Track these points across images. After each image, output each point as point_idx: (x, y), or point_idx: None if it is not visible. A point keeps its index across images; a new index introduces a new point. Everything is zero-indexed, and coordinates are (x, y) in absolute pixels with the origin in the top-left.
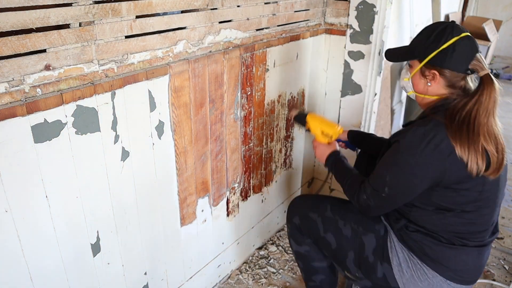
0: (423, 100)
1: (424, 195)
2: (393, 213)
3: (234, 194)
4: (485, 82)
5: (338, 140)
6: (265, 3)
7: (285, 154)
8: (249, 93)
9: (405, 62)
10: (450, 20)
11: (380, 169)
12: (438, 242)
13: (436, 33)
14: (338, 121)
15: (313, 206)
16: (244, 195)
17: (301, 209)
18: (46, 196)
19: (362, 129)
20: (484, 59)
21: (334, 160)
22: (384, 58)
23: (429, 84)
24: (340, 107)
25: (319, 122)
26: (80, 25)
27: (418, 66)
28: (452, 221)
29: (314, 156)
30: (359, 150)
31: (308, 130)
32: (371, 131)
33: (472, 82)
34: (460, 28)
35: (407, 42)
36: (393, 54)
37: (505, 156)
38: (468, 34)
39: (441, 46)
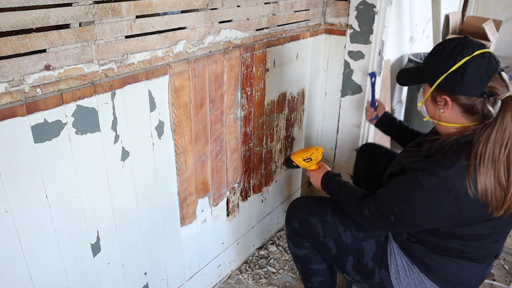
0: (441, 128)
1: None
2: None
3: (234, 194)
4: (505, 106)
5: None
6: (265, 3)
7: (285, 154)
8: (249, 93)
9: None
10: (450, 20)
11: (390, 195)
12: (439, 255)
13: (445, 53)
14: (338, 121)
15: (313, 210)
16: (244, 195)
17: (300, 213)
18: (46, 196)
19: (362, 129)
20: (506, 79)
21: (326, 181)
22: (396, 81)
23: (441, 111)
24: (340, 107)
25: (299, 153)
26: (80, 25)
27: (429, 90)
28: (455, 245)
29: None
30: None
31: (296, 166)
32: (371, 131)
33: (491, 106)
34: (474, 45)
35: (407, 42)
36: (404, 76)
37: None
38: (484, 51)
39: (450, 68)
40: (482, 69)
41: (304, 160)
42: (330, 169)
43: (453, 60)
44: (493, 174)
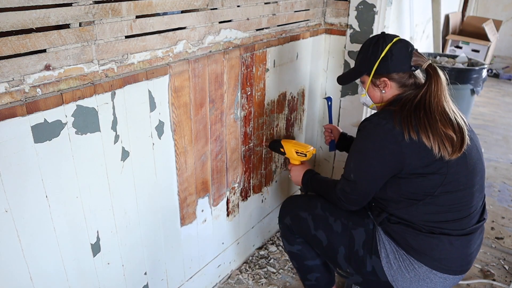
0: (381, 107)
1: (394, 184)
2: (375, 207)
3: (234, 194)
4: (430, 72)
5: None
6: (265, 3)
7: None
8: (249, 93)
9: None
10: (450, 20)
11: (347, 158)
12: (419, 232)
13: (372, 47)
14: (338, 121)
15: (303, 205)
16: (244, 195)
17: (292, 209)
18: (46, 196)
19: None
20: (421, 53)
21: (309, 177)
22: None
23: (383, 91)
24: (340, 107)
25: (293, 144)
26: (80, 25)
27: (368, 79)
28: (426, 210)
29: (290, 178)
30: (333, 150)
31: (283, 154)
32: None
33: (420, 76)
34: (390, 36)
35: None
36: (344, 78)
37: (465, 136)
38: (399, 37)
39: (380, 55)
40: (404, 49)
41: (297, 152)
42: (310, 167)
43: (380, 49)
44: (424, 123)
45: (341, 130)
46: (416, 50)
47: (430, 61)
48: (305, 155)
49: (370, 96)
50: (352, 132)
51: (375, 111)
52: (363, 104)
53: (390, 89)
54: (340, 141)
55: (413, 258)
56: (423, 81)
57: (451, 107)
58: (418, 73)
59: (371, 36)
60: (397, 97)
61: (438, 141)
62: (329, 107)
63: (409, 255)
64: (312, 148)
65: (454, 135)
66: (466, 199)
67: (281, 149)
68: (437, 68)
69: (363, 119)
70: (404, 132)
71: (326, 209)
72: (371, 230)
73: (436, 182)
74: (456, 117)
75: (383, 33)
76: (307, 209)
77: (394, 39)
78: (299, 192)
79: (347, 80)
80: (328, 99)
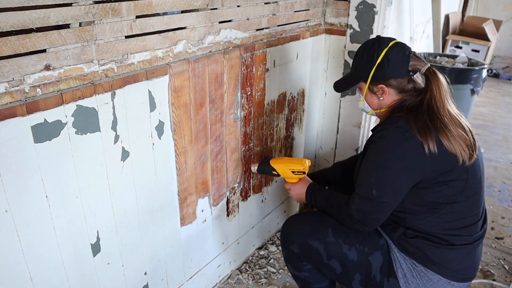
0: (382, 114)
1: (415, 195)
2: (389, 223)
3: (234, 194)
4: (429, 76)
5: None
6: (265, 3)
7: (285, 154)
8: (249, 93)
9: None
10: (450, 20)
11: (363, 174)
12: (438, 245)
13: (367, 52)
14: (338, 121)
15: (312, 232)
16: (244, 195)
17: (299, 236)
18: (46, 196)
19: (362, 129)
20: (419, 56)
21: (312, 194)
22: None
23: (381, 98)
24: (340, 107)
25: (285, 162)
26: (80, 25)
27: (365, 86)
28: (447, 218)
29: (293, 197)
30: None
31: (276, 175)
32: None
33: (420, 80)
34: (386, 39)
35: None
36: (340, 85)
37: (475, 137)
38: (396, 41)
39: (376, 61)
40: (400, 53)
41: (293, 172)
42: (311, 181)
43: (376, 54)
44: (443, 130)
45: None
46: (414, 53)
47: (428, 65)
48: (304, 173)
49: (368, 103)
50: (353, 132)
51: (375, 116)
52: (361, 110)
53: (389, 96)
54: (316, 178)
55: (432, 271)
56: (422, 85)
57: (454, 109)
58: (417, 77)
59: (366, 40)
60: (400, 104)
61: (458, 145)
62: None
63: (426, 269)
64: (307, 162)
65: (467, 136)
66: (479, 202)
67: (273, 172)
68: (437, 71)
69: (363, 119)
70: (424, 142)
71: (338, 236)
72: (387, 252)
73: (458, 189)
74: (462, 119)
75: (378, 36)
76: (318, 238)
77: (390, 43)
78: None
79: (344, 87)
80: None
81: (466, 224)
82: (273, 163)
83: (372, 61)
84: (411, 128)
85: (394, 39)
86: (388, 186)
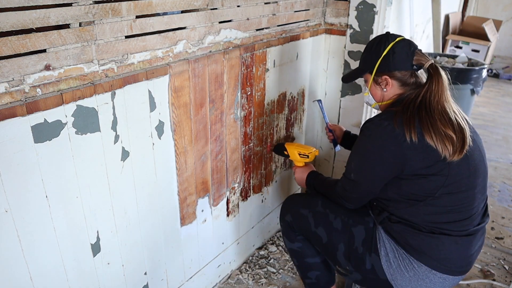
0: (383, 107)
1: (395, 185)
2: (376, 207)
3: (234, 194)
4: (431, 71)
5: (329, 131)
6: (265, 3)
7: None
8: (249, 93)
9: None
10: (450, 20)
11: (349, 158)
12: (419, 231)
13: (375, 45)
14: (338, 121)
15: (304, 203)
16: (244, 195)
17: (292, 206)
18: (46, 196)
19: None
20: (424, 53)
21: (312, 177)
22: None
23: (384, 90)
24: (340, 107)
25: (296, 146)
26: (80, 25)
27: (370, 77)
28: (427, 210)
29: (295, 180)
30: (338, 149)
31: (287, 156)
32: None
33: (422, 76)
34: (394, 35)
35: None
36: (348, 76)
37: (466, 136)
38: (403, 37)
39: (382, 53)
40: (406, 48)
41: (299, 154)
42: (314, 169)
43: (383, 47)
44: (427, 123)
45: (344, 129)
46: (420, 50)
47: (432, 61)
48: (308, 157)
49: (372, 94)
50: (353, 132)
51: (378, 112)
52: (366, 103)
53: (392, 88)
54: (344, 139)
55: (413, 257)
56: (424, 80)
57: (452, 107)
58: (421, 73)
59: (376, 35)
60: (399, 98)
61: (439, 141)
62: (322, 109)
63: (408, 254)
64: (314, 149)
65: (454, 135)
66: (468, 201)
67: (285, 152)
68: (439, 67)
69: (363, 119)
70: (405, 133)
71: (326, 207)
72: (371, 229)
73: (437, 184)
74: (457, 117)
75: (387, 32)
76: (308, 207)
77: (397, 39)
78: (299, 191)
79: (350, 78)
80: (319, 101)
81: (449, 220)
82: (287, 145)
83: (378, 53)
84: (394, 120)
85: (402, 36)
86: (364, 173)
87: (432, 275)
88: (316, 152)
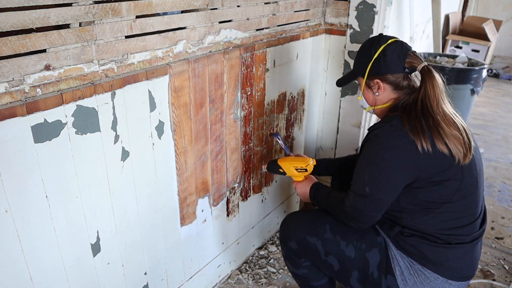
0: (379, 112)
1: (410, 195)
2: (386, 221)
3: (234, 194)
4: (424, 74)
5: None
6: (265, 3)
7: (285, 154)
8: (249, 93)
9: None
10: (450, 20)
11: (357, 172)
12: (435, 243)
13: (366, 48)
14: (338, 121)
15: (311, 229)
16: (244, 195)
17: (297, 233)
18: (46, 196)
19: (362, 129)
20: (418, 55)
21: (315, 191)
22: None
23: (376, 94)
24: (340, 107)
25: (291, 160)
26: (80, 25)
27: (363, 81)
28: (441, 217)
29: (298, 196)
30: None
31: (284, 174)
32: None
33: (416, 79)
34: (387, 37)
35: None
36: (342, 80)
37: (470, 136)
38: (396, 39)
39: (373, 56)
40: (397, 50)
41: (296, 169)
42: (316, 180)
43: (374, 50)
44: (435, 129)
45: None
46: (413, 52)
47: (425, 63)
48: (306, 170)
49: (365, 98)
50: (353, 132)
51: (374, 114)
52: (361, 107)
53: (384, 92)
54: (319, 168)
55: (429, 269)
56: (418, 84)
57: (449, 108)
58: (414, 76)
59: (370, 37)
60: (396, 103)
61: (452, 144)
62: (280, 141)
63: (424, 267)
64: (312, 161)
65: (461, 135)
66: (476, 201)
67: (280, 170)
68: (432, 70)
69: (363, 119)
70: (417, 140)
71: (336, 232)
72: (384, 249)
73: (453, 188)
74: (457, 117)
75: (380, 34)
76: (315, 234)
77: (389, 41)
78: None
79: (344, 82)
80: (275, 135)
81: (463, 223)
82: (280, 162)
83: (369, 56)
84: (404, 127)
85: (395, 37)
86: (381, 184)
87: (447, 285)
88: (314, 162)
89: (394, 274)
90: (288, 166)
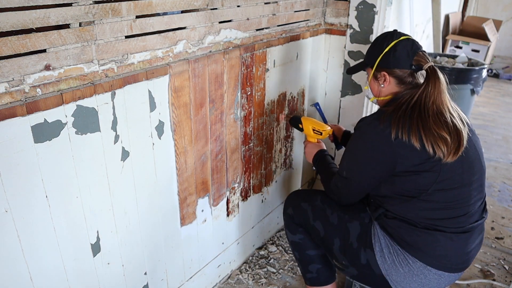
0: (380, 102)
1: (389, 182)
2: (372, 203)
3: (234, 194)
4: (429, 73)
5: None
6: (265, 3)
7: (285, 154)
8: (249, 93)
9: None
10: (450, 20)
11: (342, 156)
12: (414, 227)
13: (379, 41)
14: (338, 121)
15: (305, 197)
16: (244, 195)
17: (294, 200)
18: (46, 196)
19: None
20: (427, 55)
21: (319, 157)
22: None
23: (382, 86)
24: (340, 107)
25: (312, 121)
26: (80, 25)
27: (371, 72)
28: (421, 206)
29: (304, 154)
30: (340, 148)
31: (301, 129)
32: None
33: (421, 77)
34: (400, 34)
35: None
36: (352, 69)
37: (462, 138)
38: (409, 37)
39: (384, 49)
40: (408, 47)
41: (313, 130)
42: (324, 148)
43: (386, 44)
44: (418, 123)
45: (343, 128)
46: (423, 51)
47: (431, 63)
48: (321, 134)
49: (371, 88)
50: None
51: (377, 105)
52: (366, 97)
53: (389, 85)
54: (344, 139)
55: (408, 253)
56: (422, 82)
57: (448, 108)
58: (420, 74)
59: (378, 35)
60: (394, 97)
61: (432, 142)
62: (320, 111)
63: (403, 250)
64: (329, 128)
65: (449, 136)
66: (463, 198)
67: (300, 125)
68: (437, 70)
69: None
70: (394, 132)
71: (325, 202)
72: (366, 224)
73: (430, 180)
74: (454, 119)
75: (395, 30)
76: (308, 200)
77: (402, 37)
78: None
79: (354, 70)
80: (316, 104)
81: (444, 216)
82: (303, 119)
83: (381, 49)
84: (385, 120)
85: (408, 35)
86: (355, 172)
87: (427, 271)
88: (330, 131)
89: (373, 249)
90: (308, 125)
